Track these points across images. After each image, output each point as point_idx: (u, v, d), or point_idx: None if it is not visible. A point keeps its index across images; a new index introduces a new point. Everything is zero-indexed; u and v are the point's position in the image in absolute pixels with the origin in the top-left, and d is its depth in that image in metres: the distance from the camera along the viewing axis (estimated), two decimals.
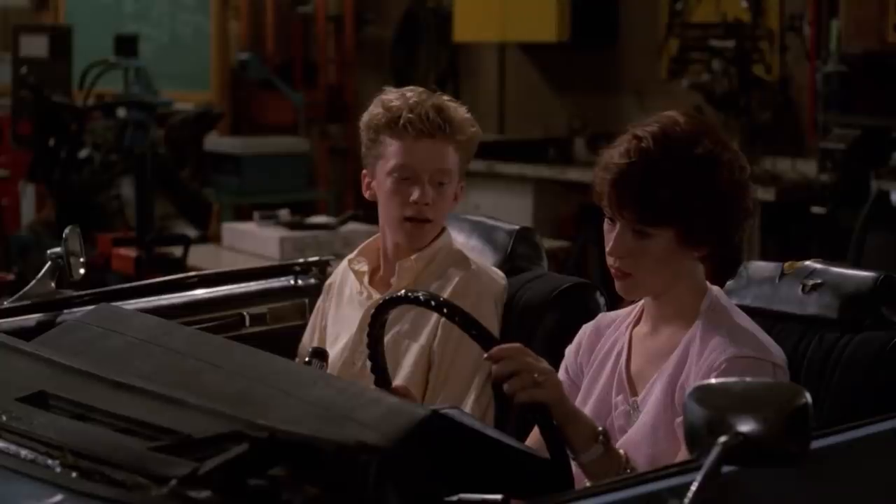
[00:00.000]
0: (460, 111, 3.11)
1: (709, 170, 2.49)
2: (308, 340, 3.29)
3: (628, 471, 2.40)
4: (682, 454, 2.31)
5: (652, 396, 2.53)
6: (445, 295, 2.95)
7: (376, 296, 3.09)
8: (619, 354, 2.64)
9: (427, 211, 3.09)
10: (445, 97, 3.14)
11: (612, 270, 2.56)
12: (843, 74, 6.64)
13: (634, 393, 2.58)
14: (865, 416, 2.44)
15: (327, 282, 3.33)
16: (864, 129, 6.52)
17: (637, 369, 2.61)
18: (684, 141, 2.50)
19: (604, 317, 2.76)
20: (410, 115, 3.05)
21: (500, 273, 3.17)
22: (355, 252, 3.26)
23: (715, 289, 2.61)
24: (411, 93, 3.12)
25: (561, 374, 2.67)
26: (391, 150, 3.09)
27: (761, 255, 6.81)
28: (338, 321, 3.22)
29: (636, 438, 2.52)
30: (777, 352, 2.51)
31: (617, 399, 2.60)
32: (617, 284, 2.57)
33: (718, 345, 2.47)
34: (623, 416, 2.58)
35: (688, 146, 2.50)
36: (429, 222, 3.11)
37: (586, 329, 2.75)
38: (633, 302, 2.68)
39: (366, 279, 3.19)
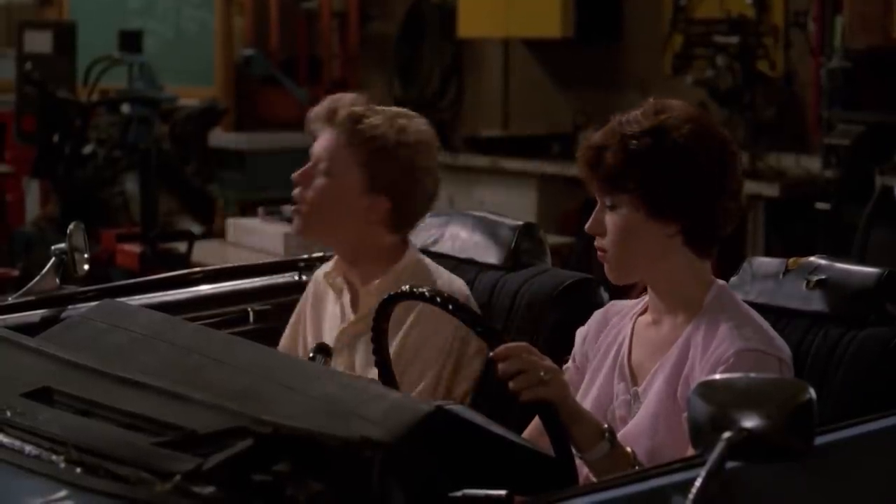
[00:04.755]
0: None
1: (668, 135, 2.51)
2: (289, 344, 3.18)
3: (636, 468, 2.40)
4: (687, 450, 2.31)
5: (653, 387, 2.53)
6: (411, 318, 2.89)
7: (351, 317, 3.04)
8: (621, 343, 2.65)
9: (297, 194, 3.03)
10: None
11: (598, 255, 2.58)
12: (847, 70, 6.63)
13: (635, 382, 2.59)
14: (869, 413, 2.44)
15: (308, 288, 3.20)
16: (868, 126, 6.51)
17: (638, 359, 2.61)
18: (652, 113, 2.55)
19: (613, 305, 2.76)
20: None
21: (461, 282, 3.07)
22: (331, 264, 3.15)
23: (720, 283, 2.61)
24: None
25: (570, 361, 2.70)
26: None
27: (765, 250, 6.81)
28: (318, 337, 3.08)
29: (636, 430, 2.52)
30: (783, 347, 2.51)
31: (618, 388, 2.60)
32: (605, 269, 2.59)
33: (727, 338, 2.47)
34: (624, 406, 2.58)
35: (654, 115, 2.54)
36: (301, 207, 3.03)
37: (596, 316, 2.76)
38: (641, 293, 2.69)
39: (346, 296, 3.08)
